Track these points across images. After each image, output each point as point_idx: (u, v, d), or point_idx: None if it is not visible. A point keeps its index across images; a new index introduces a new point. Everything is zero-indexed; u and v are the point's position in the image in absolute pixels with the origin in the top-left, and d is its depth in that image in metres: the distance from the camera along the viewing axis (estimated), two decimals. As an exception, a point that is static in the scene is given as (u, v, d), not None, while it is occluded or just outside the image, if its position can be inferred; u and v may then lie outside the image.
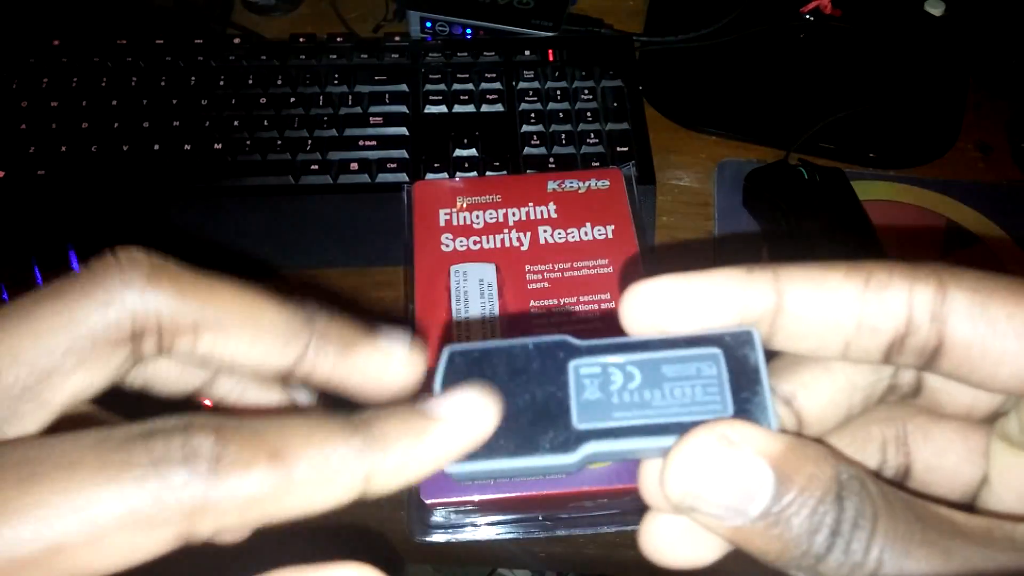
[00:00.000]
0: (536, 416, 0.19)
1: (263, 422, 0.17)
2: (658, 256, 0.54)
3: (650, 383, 0.19)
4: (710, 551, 0.19)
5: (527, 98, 0.57)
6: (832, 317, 0.18)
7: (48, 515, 0.15)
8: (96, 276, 0.19)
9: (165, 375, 0.22)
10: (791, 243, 0.51)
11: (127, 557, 0.16)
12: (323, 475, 0.17)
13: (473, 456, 0.19)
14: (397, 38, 0.61)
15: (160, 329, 0.19)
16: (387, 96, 0.57)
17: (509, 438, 0.19)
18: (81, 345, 0.18)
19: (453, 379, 0.20)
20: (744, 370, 0.19)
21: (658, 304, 0.19)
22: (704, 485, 0.17)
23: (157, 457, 0.16)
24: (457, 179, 0.53)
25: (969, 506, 0.20)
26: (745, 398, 0.18)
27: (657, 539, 0.19)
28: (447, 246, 0.47)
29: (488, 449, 0.19)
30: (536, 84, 0.58)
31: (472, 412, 0.18)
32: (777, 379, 0.20)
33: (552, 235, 0.48)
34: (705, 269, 0.19)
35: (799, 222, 0.51)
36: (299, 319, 0.21)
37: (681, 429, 0.18)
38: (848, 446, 0.21)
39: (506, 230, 0.48)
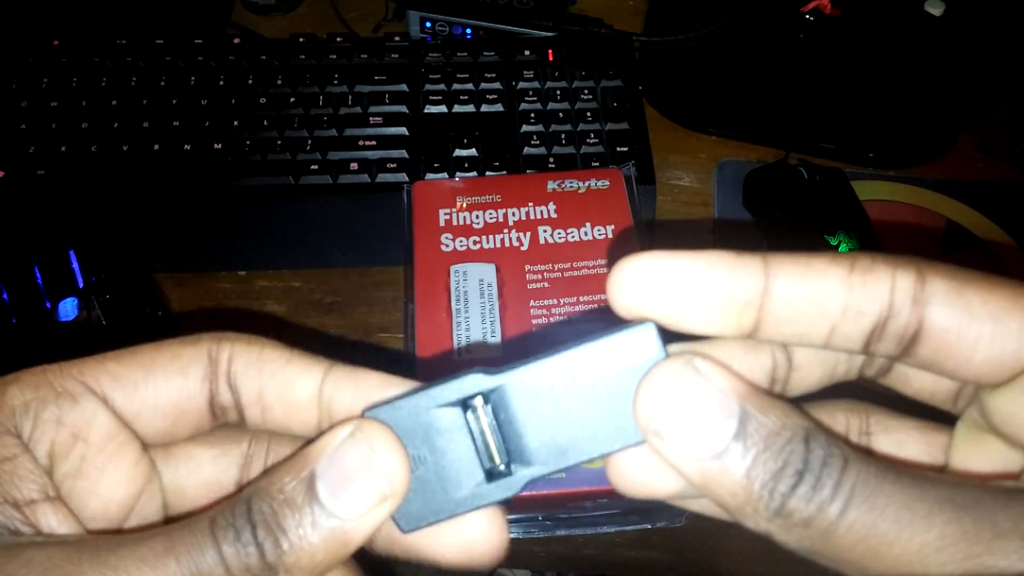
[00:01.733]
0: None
1: None
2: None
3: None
4: (672, 480, 0.19)
5: (527, 98, 0.57)
6: (819, 300, 0.18)
7: None
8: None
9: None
10: (791, 243, 0.51)
11: None
12: None
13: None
14: (397, 38, 0.61)
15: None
16: (387, 96, 0.57)
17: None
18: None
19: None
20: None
21: (648, 280, 0.19)
22: (672, 410, 0.18)
23: None
24: (457, 179, 0.53)
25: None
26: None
27: (624, 468, 0.20)
28: (447, 246, 0.47)
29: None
30: (536, 84, 0.58)
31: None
32: None
33: (552, 235, 0.48)
34: (695, 250, 0.19)
35: (799, 222, 0.51)
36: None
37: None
38: None
39: (506, 230, 0.48)
